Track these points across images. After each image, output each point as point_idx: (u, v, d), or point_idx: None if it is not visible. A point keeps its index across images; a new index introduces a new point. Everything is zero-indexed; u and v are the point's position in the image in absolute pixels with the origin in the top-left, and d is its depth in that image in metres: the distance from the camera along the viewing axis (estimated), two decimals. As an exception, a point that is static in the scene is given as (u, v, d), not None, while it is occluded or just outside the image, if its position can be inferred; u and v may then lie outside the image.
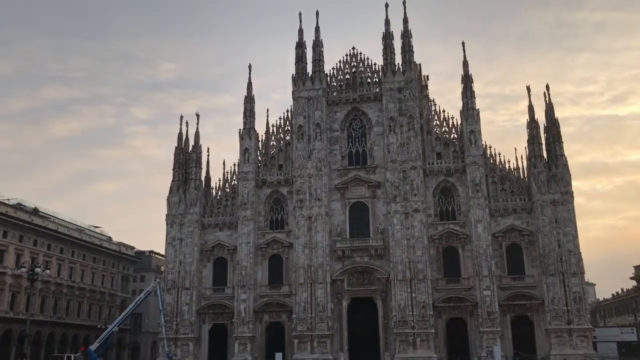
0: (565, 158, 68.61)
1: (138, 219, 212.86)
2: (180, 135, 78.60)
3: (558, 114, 71.28)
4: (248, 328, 68.82)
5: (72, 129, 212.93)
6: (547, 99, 71.84)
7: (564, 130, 71.96)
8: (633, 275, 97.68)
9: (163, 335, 69.72)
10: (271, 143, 77.58)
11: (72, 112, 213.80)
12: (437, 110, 75.28)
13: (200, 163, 77.51)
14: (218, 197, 76.66)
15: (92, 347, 74.09)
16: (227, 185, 76.86)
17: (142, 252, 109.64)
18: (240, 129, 76.38)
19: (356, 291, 68.82)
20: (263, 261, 72.16)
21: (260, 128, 77.76)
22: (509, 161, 71.33)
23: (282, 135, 77.57)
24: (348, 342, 67.25)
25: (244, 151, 75.08)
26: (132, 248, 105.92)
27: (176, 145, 78.11)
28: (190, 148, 77.84)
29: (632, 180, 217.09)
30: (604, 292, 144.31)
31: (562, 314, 63.34)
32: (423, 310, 64.96)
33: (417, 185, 69.11)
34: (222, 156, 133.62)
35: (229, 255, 73.26)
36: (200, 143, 78.26)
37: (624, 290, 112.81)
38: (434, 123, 74.31)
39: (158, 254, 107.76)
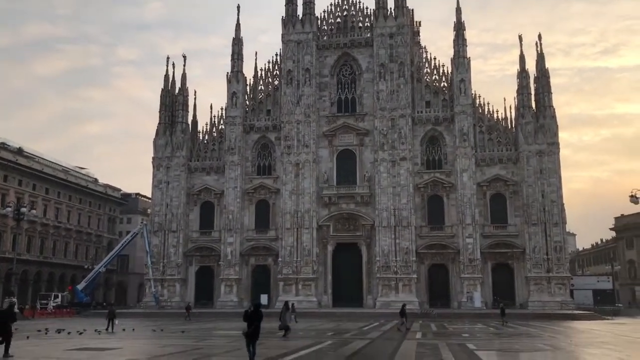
0: (554, 109, 68.81)
1: (125, 161, 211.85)
2: (166, 77, 77.41)
3: (549, 64, 71.22)
4: (234, 270, 69.95)
5: (56, 68, 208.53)
6: (538, 49, 71.38)
7: (554, 81, 71.95)
8: (613, 227, 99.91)
9: (150, 276, 70.89)
10: (259, 87, 76.75)
11: (57, 51, 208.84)
12: (428, 57, 74.66)
13: (187, 106, 76.71)
14: (205, 141, 76.32)
15: (79, 287, 75.46)
16: (214, 130, 76.42)
17: (129, 195, 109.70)
18: (228, 72, 75.32)
19: (341, 237, 69.85)
20: (250, 206, 72.68)
21: (248, 72, 76.78)
22: (497, 111, 71.47)
23: (270, 80, 76.68)
24: (332, 286, 68.75)
25: (232, 95, 74.28)
26: (119, 190, 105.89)
27: (162, 87, 77.10)
28: (177, 90, 76.85)
29: (619, 133, 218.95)
30: (584, 242, 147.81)
31: (542, 263, 64.99)
32: (406, 256, 66.29)
33: (405, 134, 69.19)
34: (209, 100, 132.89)
35: (216, 200, 73.62)
36: (187, 86, 77.30)
37: (603, 240, 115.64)
38: (425, 71, 73.77)
39: (145, 196, 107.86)
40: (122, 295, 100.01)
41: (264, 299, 66.55)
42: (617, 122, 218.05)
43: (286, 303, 36.08)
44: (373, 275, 67.37)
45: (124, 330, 35.21)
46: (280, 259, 68.76)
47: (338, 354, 21.46)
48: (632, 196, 47.26)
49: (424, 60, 74.88)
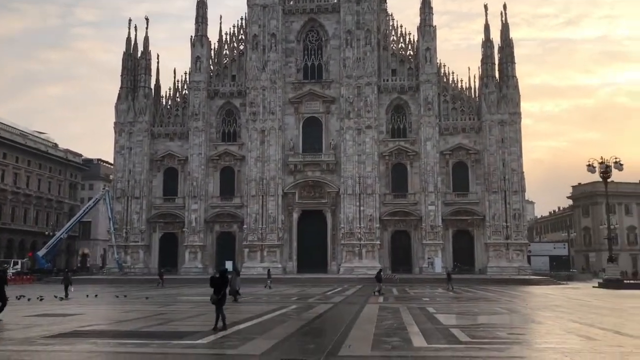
0: (516, 79, 69.78)
1: (86, 126, 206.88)
2: (128, 39, 75.38)
3: (513, 34, 71.80)
4: (199, 237, 69.81)
5: (13, 29, 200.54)
6: (503, 18, 71.90)
7: (518, 51, 72.79)
8: (570, 195, 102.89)
9: (113, 242, 70.25)
10: (224, 52, 75.53)
11: (13, 10, 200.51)
12: (395, 25, 74.53)
13: (150, 70, 75.06)
14: (168, 107, 75.08)
15: (40, 253, 74.18)
16: (177, 95, 75.16)
17: (90, 160, 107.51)
18: (192, 36, 73.77)
19: (307, 204, 70.22)
20: (214, 173, 72.22)
21: (213, 36, 75.37)
22: (461, 80, 72.16)
23: (235, 45, 75.49)
24: (297, 252, 69.35)
25: (196, 59, 72.91)
26: (80, 156, 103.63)
27: (124, 50, 75.10)
28: (140, 54, 75.00)
29: (579, 104, 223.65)
30: (542, 210, 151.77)
31: (501, 230, 66.75)
32: (370, 223, 67.20)
33: (371, 102, 69.34)
34: (173, 64, 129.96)
35: (180, 166, 72.87)
36: (150, 49, 75.50)
37: (561, 208, 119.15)
38: (391, 39, 73.70)
39: (107, 162, 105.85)
40: (84, 262, 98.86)
41: (228, 265, 66.69)
42: (578, 93, 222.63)
43: (234, 269, 36.37)
44: (337, 242, 68.17)
45: (87, 296, 35.00)
46: (245, 226, 68.86)
47: (302, 317, 21.86)
48: (589, 165, 48.78)
49: (390, 28, 74.71)
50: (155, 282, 50.90)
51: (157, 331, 17.46)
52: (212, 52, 74.89)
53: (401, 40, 73.35)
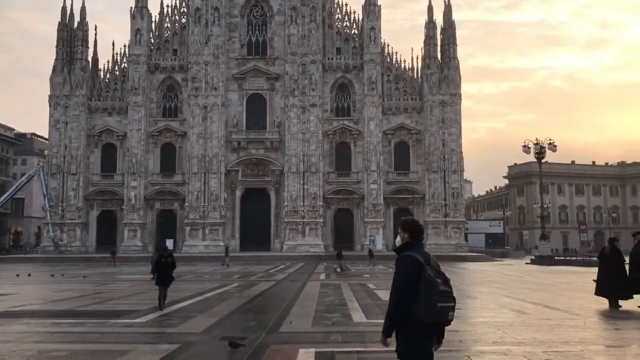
0: (458, 61, 71.10)
1: (19, 99, 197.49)
2: (64, 9, 72.12)
3: (455, 16, 73.01)
4: (138, 215, 68.36)
5: None
6: (446, 0, 72.84)
7: (460, 33, 73.97)
8: (506, 175, 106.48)
9: (48, 220, 67.89)
10: (165, 25, 73.47)
11: None
12: (340, 3, 74.28)
13: (87, 42, 72.16)
14: (107, 80, 72.60)
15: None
16: (116, 68, 72.74)
17: (23, 135, 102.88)
18: (131, 8, 71.19)
19: (250, 182, 69.82)
20: (155, 149, 70.62)
21: (154, 8, 73.21)
22: (404, 61, 72.98)
23: (177, 18, 73.51)
24: (240, 230, 69.03)
25: (136, 32, 70.56)
26: (12, 130, 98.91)
27: (60, 20, 71.80)
28: (76, 25, 71.92)
29: (517, 86, 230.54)
30: (479, 189, 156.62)
31: (440, 208, 68.50)
32: (313, 201, 67.57)
33: (315, 80, 69.18)
34: (112, 36, 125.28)
35: (119, 142, 70.82)
36: (87, 20, 72.67)
37: (497, 188, 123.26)
38: (336, 17, 73.53)
39: (41, 137, 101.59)
40: (17, 240, 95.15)
41: (169, 243, 65.53)
42: (516, 76, 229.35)
43: (156, 249, 35.74)
44: (281, 220, 68.26)
45: (17, 276, 33.74)
46: (186, 204, 67.90)
47: (243, 295, 21.84)
48: (524, 146, 50.52)
49: (335, 6, 74.47)
50: (106, 261, 49.71)
51: (94, 310, 17.07)
52: (153, 24, 72.72)
53: (346, 18, 73.32)
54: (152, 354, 10.24)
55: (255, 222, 68.99)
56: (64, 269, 40.78)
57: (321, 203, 67.75)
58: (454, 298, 5.38)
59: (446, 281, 5.38)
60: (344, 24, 73.19)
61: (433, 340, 5.53)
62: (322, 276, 33.10)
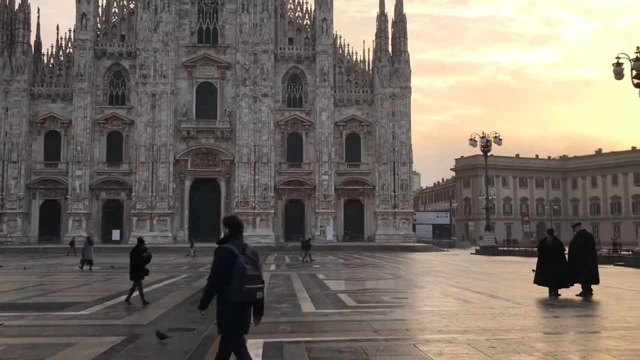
0: (408, 54, 72.01)
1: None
2: (4, -11, 69.06)
3: (406, 10, 73.87)
4: (83, 205, 66.50)
5: None
6: (398, -6, 73.46)
7: (410, 27, 74.89)
8: (453, 167, 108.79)
9: (-14, 210, 65.22)
10: (113, 10, 71.40)
11: None
12: (292, -7, 73.87)
13: (29, 25, 69.34)
14: (50, 65, 70.07)
15: None
16: (61, 53, 70.24)
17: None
18: (77, -9, 68.82)
19: (200, 172, 68.91)
20: (101, 137, 68.76)
21: (100, -8, 70.72)
22: (356, 53, 73.41)
23: (125, 3, 71.54)
24: (189, 221, 68.14)
25: (81, 16, 68.23)
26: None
27: (-1, 1, 68.80)
28: (17, 6, 69.00)
29: (464, 81, 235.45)
30: (427, 181, 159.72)
31: (390, 199, 69.48)
32: (265, 192, 67.33)
33: (267, 70, 68.73)
34: (56, 20, 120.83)
35: (63, 129, 68.60)
36: (30, 2, 69.72)
37: (444, 180, 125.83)
38: (288, 7, 73.12)
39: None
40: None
41: (115, 234, 64.61)
42: (464, 71, 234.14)
43: (88, 238, 34.96)
44: (231, 211, 67.60)
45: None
46: (134, 194, 66.50)
47: (192, 286, 21.61)
48: (471, 139, 51.71)
49: (288, -5, 74.00)
50: (50, 252, 48.20)
51: (35, 303, 16.54)
52: (100, 9, 70.57)
53: (298, 9, 73.05)
54: (97, 347, 10.02)
55: (205, 213, 68.19)
56: (4, 260, 39.29)
57: (272, 194, 67.59)
58: (262, 281, 6.42)
59: (257, 267, 6.41)
60: (296, 14, 72.92)
61: (248, 316, 6.53)
62: (273, 267, 33.09)
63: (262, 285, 6.42)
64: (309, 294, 17.78)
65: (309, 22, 72.52)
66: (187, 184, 68.48)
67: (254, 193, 67.11)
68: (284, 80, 70.99)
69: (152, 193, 66.46)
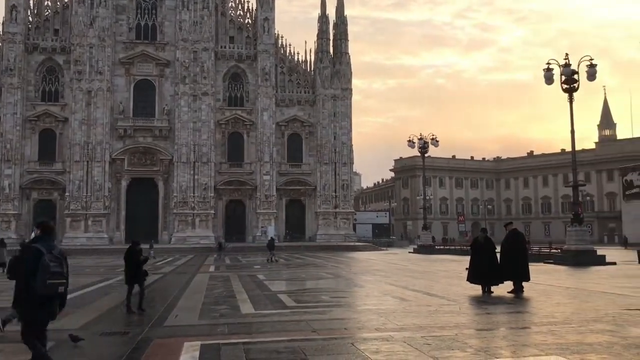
0: (349, 56, 72.72)
1: None
2: None
3: (348, 11, 74.57)
4: (13, 205, 63.66)
5: None
6: (339, -5, 74.15)
7: (351, 28, 75.82)
8: (393, 168, 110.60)
9: None
10: (45, 3, 68.68)
11: None
12: (233, -9, 73.27)
13: (-47, 15, 65.86)
14: (-23, 59, 66.70)
15: None
16: (-12, 46, 66.98)
17: None
18: (6, -19, 65.83)
19: (137, 171, 67.27)
20: (32, 135, 66.01)
21: (32, -17, 67.88)
22: (298, 53, 73.57)
23: (59, -4, 68.98)
24: (125, 222, 66.39)
25: (11, 8, 65.29)
26: None
27: None
28: (-60, -5, 65.39)
29: (403, 83, 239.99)
30: (368, 181, 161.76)
31: (331, 199, 69.99)
32: (204, 192, 66.42)
33: (207, 68, 67.84)
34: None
35: (-9, 126, 65.41)
36: (-46, -9, 66.18)
37: (384, 180, 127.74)
38: (230, 5, 72.44)
39: None
40: None
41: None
42: (403, 73, 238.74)
43: (1, 240, 33.72)
44: (170, 211, 66.49)
45: None
46: (67, 194, 64.22)
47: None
48: (409, 141, 52.75)
49: (229, -7, 73.34)
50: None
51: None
52: (31, 1, 67.74)
53: (239, 7, 72.49)
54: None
55: (142, 213, 66.63)
56: None
57: (212, 194, 66.75)
58: (65, 277, 7.18)
59: (61, 265, 7.14)
60: (237, 13, 72.35)
61: (51, 310, 7.24)
62: (212, 268, 32.67)
63: (64, 281, 7.19)
64: (248, 295, 17.66)
65: (250, 21, 72.08)
66: (124, 183, 66.71)
67: (194, 193, 66.09)
68: (225, 79, 70.25)
69: (87, 193, 64.36)
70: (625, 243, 63.01)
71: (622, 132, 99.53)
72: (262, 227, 67.08)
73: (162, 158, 67.35)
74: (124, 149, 66.77)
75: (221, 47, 69.96)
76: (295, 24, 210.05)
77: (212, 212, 66.65)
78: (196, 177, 66.56)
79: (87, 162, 64.80)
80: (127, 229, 66.20)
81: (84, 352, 9.91)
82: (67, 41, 66.80)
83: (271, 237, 43.42)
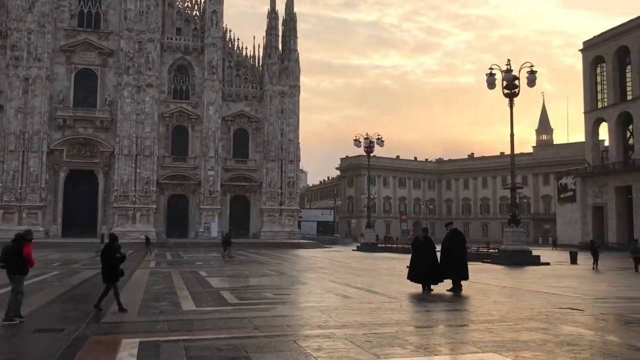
0: (298, 53, 72.69)
1: None
2: None
3: (297, 8, 74.44)
4: (-60, 196, 60.47)
5: None
6: (289, -8, 73.93)
7: (300, 26, 75.79)
8: (338, 166, 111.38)
9: None
10: (-19, -16, 65.40)
11: None
12: (182, -18, 71.92)
13: None
14: None
15: None
16: None
17: None
18: (-62, -41, 62.34)
19: (76, 163, 65.13)
20: (-37, 122, 62.85)
21: (-34, -38, 64.50)
22: (246, 48, 72.97)
23: (-5, -23, 65.82)
24: (62, 215, 64.22)
25: (-57, -13, 61.95)
26: None
27: None
28: None
29: (351, 83, 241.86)
30: (314, 179, 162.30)
31: (276, 196, 69.81)
32: (146, 186, 65.01)
33: (153, 59, 66.35)
34: None
35: None
36: None
37: (330, 178, 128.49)
38: (177, -4, 71.07)
39: None
40: None
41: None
42: (351, 73, 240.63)
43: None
44: (110, 205, 64.73)
45: None
46: (1, 184, 61.48)
47: (64, 283, 20.35)
48: (355, 140, 53.24)
49: (177, -16, 71.95)
50: None
51: None
52: (-35, -19, 64.37)
53: (188, -1, 71.20)
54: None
55: (81, 207, 64.59)
56: None
57: (154, 188, 65.40)
58: None
59: None
60: (185, 5, 71.09)
61: None
62: (153, 264, 32.00)
63: None
64: (189, 292, 17.39)
65: (198, 14, 70.94)
66: (62, 175, 64.46)
67: (135, 187, 64.57)
68: (170, 71, 68.91)
69: (21, 184, 61.82)
70: (554, 244, 66.94)
71: (559, 138, 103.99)
72: (205, 222, 66.25)
73: (103, 150, 65.45)
74: (63, 140, 64.50)
75: (167, 38, 68.57)
76: (244, 18, 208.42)
77: (154, 206, 65.30)
78: (138, 170, 65.03)
79: (23, 152, 62.22)
80: (64, 222, 64.11)
81: (16, 350, 9.52)
82: (4, 25, 63.88)
83: (226, 233, 42.72)
